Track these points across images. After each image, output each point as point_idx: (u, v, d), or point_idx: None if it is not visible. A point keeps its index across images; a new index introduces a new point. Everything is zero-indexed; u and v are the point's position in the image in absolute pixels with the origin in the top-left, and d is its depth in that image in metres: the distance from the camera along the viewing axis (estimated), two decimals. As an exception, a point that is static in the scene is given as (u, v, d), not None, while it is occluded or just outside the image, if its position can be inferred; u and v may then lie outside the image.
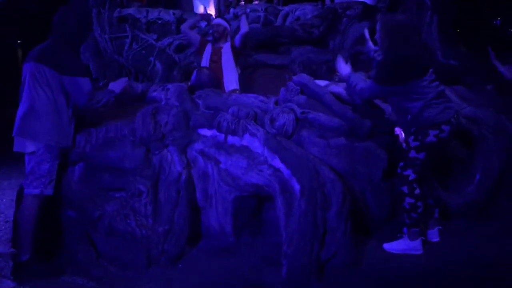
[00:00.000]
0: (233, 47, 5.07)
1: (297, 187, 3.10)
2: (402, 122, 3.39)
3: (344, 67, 3.57)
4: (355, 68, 3.74)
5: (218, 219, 3.47)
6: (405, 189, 3.29)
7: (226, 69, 5.00)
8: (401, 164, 3.32)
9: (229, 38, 5.23)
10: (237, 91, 4.67)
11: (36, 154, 3.26)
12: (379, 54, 3.40)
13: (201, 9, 6.91)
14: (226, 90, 4.80)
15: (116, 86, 3.64)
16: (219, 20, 5.41)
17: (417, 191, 3.29)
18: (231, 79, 4.98)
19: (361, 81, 3.40)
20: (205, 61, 5.07)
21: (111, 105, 3.59)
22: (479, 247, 3.38)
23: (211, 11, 6.96)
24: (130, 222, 3.34)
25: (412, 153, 3.27)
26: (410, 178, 3.28)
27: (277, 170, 3.23)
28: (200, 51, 5.22)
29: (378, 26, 3.39)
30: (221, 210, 3.45)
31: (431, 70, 3.27)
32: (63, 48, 3.35)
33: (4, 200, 5.10)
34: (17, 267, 3.25)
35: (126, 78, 3.84)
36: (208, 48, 5.14)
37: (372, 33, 5.29)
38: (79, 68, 3.40)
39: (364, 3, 6.73)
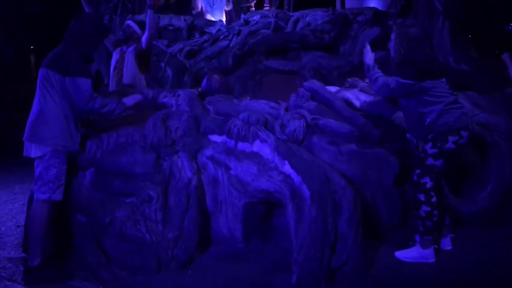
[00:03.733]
0: (139, 50, 5.06)
1: (307, 193, 3.09)
2: (417, 129, 3.36)
3: (370, 57, 3.54)
4: (365, 74, 3.73)
5: (228, 225, 3.47)
6: (422, 197, 3.26)
7: (127, 72, 5.03)
8: (418, 171, 3.29)
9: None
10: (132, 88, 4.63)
11: (43, 159, 3.28)
12: (376, 72, 3.42)
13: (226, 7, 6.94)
14: None
15: (129, 100, 3.68)
16: (130, 22, 5.47)
17: (434, 199, 3.25)
18: (130, 81, 5.00)
19: (383, 75, 3.37)
20: (112, 66, 5.15)
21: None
22: (492, 255, 3.33)
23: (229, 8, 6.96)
24: (140, 227, 3.35)
25: (430, 161, 3.23)
26: (427, 186, 3.25)
27: (287, 176, 3.22)
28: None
29: (393, 36, 3.40)
30: (231, 216, 3.45)
31: (444, 78, 3.27)
32: (69, 51, 3.37)
33: (16, 205, 5.15)
34: (28, 272, 3.27)
35: (140, 96, 3.84)
36: (116, 52, 5.20)
37: (380, 40, 5.29)
38: (81, 70, 3.37)
39: (375, 9, 6.73)
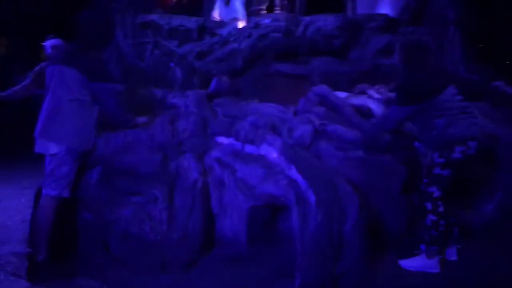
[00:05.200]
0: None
1: (313, 198, 3.07)
2: (425, 138, 3.34)
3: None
4: (374, 80, 3.74)
5: (233, 227, 3.46)
6: (429, 205, 3.24)
7: None
8: (426, 180, 3.27)
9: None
10: None
11: (57, 156, 3.29)
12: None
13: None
14: None
15: (139, 120, 3.78)
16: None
17: (441, 209, 3.23)
18: None
19: (382, 108, 3.40)
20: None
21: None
22: (497, 267, 3.30)
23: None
24: (145, 227, 3.35)
25: (437, 170, 3.22)
26: (434, 195, 3.23)
27: (293, 180, 3.21)
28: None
29: (397, 47, 3.41)
30: (236, 219, 3.44)
31: (451, 86, 3.25)
32: (90, 53, 3.39)
33: (23, 200, 5.17)
34: (32, 267, 3.28)
35: (147, 118, 3.89)
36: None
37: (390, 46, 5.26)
38: (109, 75, 3.45)
39: (386, 15, 6.70)
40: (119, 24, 6.94)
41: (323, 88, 3.84)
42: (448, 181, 3.26)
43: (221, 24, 7.03)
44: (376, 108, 3.76)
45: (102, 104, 3.41)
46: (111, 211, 3.44)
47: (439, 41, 5.26)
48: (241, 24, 7.05)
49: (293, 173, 3.23)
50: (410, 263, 3.31)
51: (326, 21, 6.64)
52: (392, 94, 3.76)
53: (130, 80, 6.37)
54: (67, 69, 3.31)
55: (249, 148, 3.49)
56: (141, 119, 3.78)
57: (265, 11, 8.32)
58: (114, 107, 3.44)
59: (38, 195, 3.47)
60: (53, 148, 3.30)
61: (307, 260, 2.97)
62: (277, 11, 8.17)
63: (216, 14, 7.55)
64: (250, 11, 8.12)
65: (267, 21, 6.89)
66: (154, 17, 6.94)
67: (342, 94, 3.98)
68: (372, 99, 3.91)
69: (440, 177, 3.22)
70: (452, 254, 3.44)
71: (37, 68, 4.52)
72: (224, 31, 6.59)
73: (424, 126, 3.28)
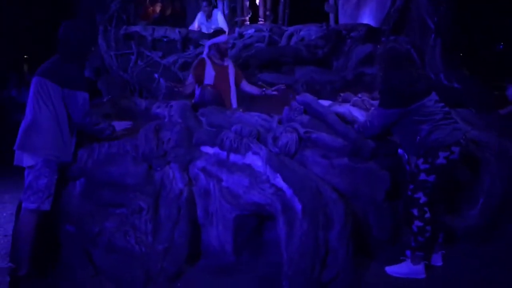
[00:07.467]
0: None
1: (299, 206, 3.08)
2: (409, 145, 3.38)
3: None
4: (357, 89, 3.78)
5: (219, 237, 3.44)
6: (415, 211, 3.26)
7: (233, 88, 4.97)
8: (411, 186, 3.29)
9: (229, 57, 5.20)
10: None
11: (34, 168, 3.25)
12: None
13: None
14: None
15: (119, 125, 3.68)
16: (226, 37, 5.27)
17: (428, 215, 3.25)
18: (236, 98, 4.96)
19: (366, 116, 3.43)
20: (208, 79, 4.88)
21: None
22: (482, 272, 3.33)
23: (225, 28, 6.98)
24: (130, 239, 3.31)
25: (422, 176, 3.25)
26: (421, 201, 3.25)
27: (279, 189, 3.21)
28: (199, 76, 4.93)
29: (378, 55, 3.46)
30: (222, 229, 3.42)
31: (433, 92, 3.29)
32: (67, 62, 3.37)
33: (5, 214, 5.09)
34: (15, 282, 3.21)
35: (131, 122, 3.82)
36: (209, 65, 4.94)
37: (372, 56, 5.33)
38: (81, 83, 3.39)
39: (368, 25, 6.80)
40: (103, 35, 6.92)
41: (307, 96, 3.86)
42: (434, 187, 3.29)
43: (205, 35, 7.05)
44: (360, 116, 3.79)
45: (69, 111, 3.34)
46: (95, 223, 3.39)
47: (420, 49, 5.34)
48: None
49: (279, 181, 3.23)
50: (396, 270, 3.33)
51: (309, 31, 6.73)
52: (375, 102, 3.80)
53: (113, 91, 6.34)
54: (43, 81, 3.28)
55: (234, 157, 3.48)
56: (120, 125, 3.71)
57: (248, 22, 8.38)
58: (80, 116, 3.34)
59: (19, 209, 3.41)
60: (29, 160, 3.26)
61: (294, 268, 2.96)
62: (261, 21, 8.24)
63: (196, 26, 7.58)
64: (234, 22, 8.18)
65: (250, 31, 6.94)
66: (137, 28, 6.93)
67: (325, 103, 4.00)
68: (356, 107, 3.95)
69: (426, 183, 3.25)
70: (437, 260, 3.46)
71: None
72: (208, 42, 6.60)
73: (407, 132, 3.31)
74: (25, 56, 13.71)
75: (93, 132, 3.52)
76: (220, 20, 7.44)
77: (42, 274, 3.33)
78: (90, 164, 3.50)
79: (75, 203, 3.48)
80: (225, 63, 5.02)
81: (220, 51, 4.97)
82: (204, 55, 5.05)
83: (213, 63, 4.95)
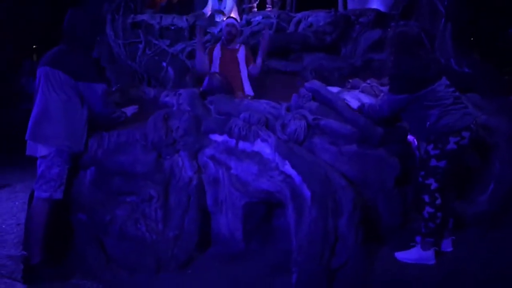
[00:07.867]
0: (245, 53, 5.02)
1: (308, 193, 3.08)
2: (419, 130, 3.35)
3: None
4: (366, 75, 3.74)
5: (228, 225, 3.46)
6: (427, 198, 3.25)
7: (244, 73, 4.96)
8: (422, 173, 3.28)
9: (240, 42, 5.20)
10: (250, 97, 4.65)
11: (47, 158, 3.28)
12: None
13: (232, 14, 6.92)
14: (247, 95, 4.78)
15: (129, 110, 3.83)
16: (232, 20, 5.32)
17: (439, 201, 3.24)
18: (248, 84, 4.95)
19: (376, 101, 3.40)
20: (215, 61, 4.93)
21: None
22: (492, 257, 3.32)
23: (234, 15, 6.95)
24: (140, 226, 3.35)
25: (433, 162, 3.22)
26: (432, 187, 3.24)
27: (288, 176, 3.21)
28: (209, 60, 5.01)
29: (388, 39, 3.41)
30: (231, 216, 3.44)
31: (444, 77, 3.26)
32: (76, 53, 3.38)
33: (17, 203, 5.15)
34: (28, 270, 3.27)
35: (137, 106, 3.95)
36: (218, 49, 5.01)
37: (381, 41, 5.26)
38: (95, 74, 3.44)
39: (377, 10, 6.71)
40: (110, 24, 6.90)
41: (315, 83, 3.83)
42: (445, 173, 3.27)
43: (213, 22, 7.00)
44: (368, 102, 3.77)
45: (89, 104, 3.40)
46: (106, 212, 3.43)
47: (430, 33, 5.27)
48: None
49: (288, 168, 3.23)
50: (406, 255, 3.33)
51: (317, 17, 6.65)
52: (384, 89, 3.77)
53: (122, 80, 6.35)
54: (53, 71, 3.29)
55: (243, 145, 3.49)
56: (130, 109, 3.81)
57: (256, 9, 8.32)
58: (101, 106, 3.43)
59: (31, 198, 3.45)
60: (42, 150, 3.29)
61: (303, 255, 2.97)
62: (269, 8, 8.17)
63: (208, 13, 7.52)
64: (242, 9, 8.11)
65: (258, 18, 6.88)
66: (145, 16, 6.91)
67: (334, 89, 3.98)
68: (364, 94, 3.92)
69: (437, 169, 3.23)
70: (447, 246, 3.45)
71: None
72: (215, 29, 6.57)
73: (417, 117, 3.28)
74: (34, 46, 13.78)
75: (111, 120, 3.57)
76: (228, 3, 7.39)
77: (54, 262, 3.38)
78: (100, 153, 3.53)
79: (86, 192, 3.52)
80: (236, 47, 5.06)
81: (227, 34, 5.03)
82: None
83: (222, 47, 5.05)
